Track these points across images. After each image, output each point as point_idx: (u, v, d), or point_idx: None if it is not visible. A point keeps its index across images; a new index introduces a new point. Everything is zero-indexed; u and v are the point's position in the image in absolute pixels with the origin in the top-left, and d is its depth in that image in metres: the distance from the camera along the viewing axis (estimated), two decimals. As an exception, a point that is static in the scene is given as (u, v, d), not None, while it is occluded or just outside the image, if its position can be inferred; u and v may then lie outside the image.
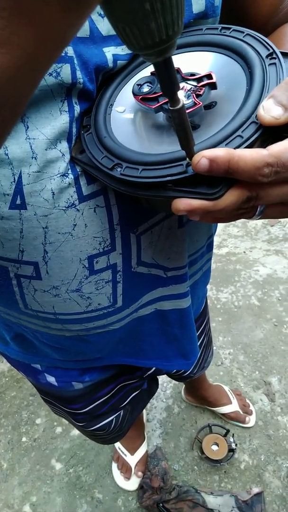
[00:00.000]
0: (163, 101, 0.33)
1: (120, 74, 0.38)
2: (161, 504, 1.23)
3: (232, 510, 1.22)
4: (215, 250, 2.09)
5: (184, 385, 1.48)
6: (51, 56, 0.18)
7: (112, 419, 0.75)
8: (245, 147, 0.28)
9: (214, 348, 1.64)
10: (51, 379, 0.63)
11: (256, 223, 2.22)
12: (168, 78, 0.22)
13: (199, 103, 0.31)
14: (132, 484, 1.29)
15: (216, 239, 2.16)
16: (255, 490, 1.24)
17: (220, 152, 0.26)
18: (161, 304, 0.54)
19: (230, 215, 0.30)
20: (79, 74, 0.33)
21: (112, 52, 0.35)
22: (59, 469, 1.38)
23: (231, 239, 2.15)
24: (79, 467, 1.37)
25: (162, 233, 0.45)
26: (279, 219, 2.19)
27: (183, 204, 0.29)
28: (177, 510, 1.23)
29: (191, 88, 0.33)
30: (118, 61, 0.36)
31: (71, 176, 0.36)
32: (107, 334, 0.52)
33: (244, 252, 2.06)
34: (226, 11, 0.44)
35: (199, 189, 0.29)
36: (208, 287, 1.89)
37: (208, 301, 1.82)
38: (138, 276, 0.47)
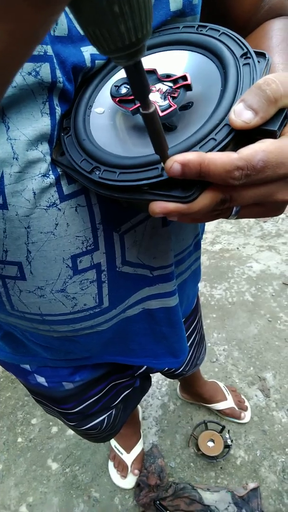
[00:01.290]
0: None
1: (98, 75, 0.38)
2: (158, 502, 1.23)
3: (228, 506, 1.22)
4: (208, 247, 2.09)
5: (179, 383, 1.48)
6: (23, 53, 0.18)
7: (104, 418, 0.75)
8: (218, 150, 0.28)
9: (209, 344, 1.64)
10: (41, 380, 0.63)
11: (249, 219, 2.22)
12: (139, 82, 0.22)
13: (174, 106, 0.31)
14: (129, 482, 1.29)
15: (209, 236, 2.16)
16: (251, 485, 1.25)
17: (191, 156, 0.26)
18: (149, 303, 0.53)
19: (206, 216, 0.31)
20: (58, 73, 0.33)
21: (90, 51, 0.35)
22: (55, 469, 1.37)
23: (224, 236, 2.16)
24: (76, 467, 1.37)
25: (146, 232, 0.45)
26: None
27: (159, 207, 0.29)
28: (174, 507, 1.23)
29: (167, 90, 0.32)
30: (96, 61, 0.36)
31: (52, 176, 0.36)
32: (95, 334, 0.51)
33: (238, 248, 2.07)
34: (208, 10, 0.44)
35: (174, 193, 0.29)
36: (202, 283, 1.90)
37: (202, 297, 1.83)
38: (123, 276, 0.47)
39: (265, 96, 0.27)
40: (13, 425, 1.51)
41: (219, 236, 2.16)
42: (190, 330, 0.81)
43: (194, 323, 0.82)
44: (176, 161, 0.26)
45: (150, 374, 0.87)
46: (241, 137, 0.29)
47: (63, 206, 0.37)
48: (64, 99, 0.35)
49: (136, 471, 1.29)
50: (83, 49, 0.34)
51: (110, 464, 1.34)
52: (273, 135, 0.28)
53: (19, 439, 1.47)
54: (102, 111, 0.36)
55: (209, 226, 2.23)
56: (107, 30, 0.18)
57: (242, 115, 0.27)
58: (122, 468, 1.30)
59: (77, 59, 0.34)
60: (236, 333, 1.68)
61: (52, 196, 0.36)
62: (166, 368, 0.80)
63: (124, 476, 1.29)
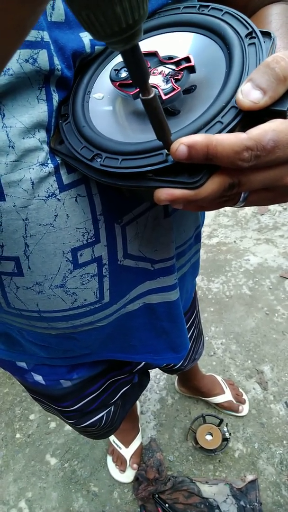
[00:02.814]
0: None
1: (97, 60, 0.36)
2: (156, 495, 1.24)
3: (227, 498, 1.23)
4: (205, 241, 2.08)
5: (177, 377, 1.48)
6: (13, 43, 0.18)
7: (103, 415, 0.74)
8: (226, 133, 0.27)
9: (207, 338, 1.64)
10: (38, 378, 0.62)
11: (246, 212, 2.21)
12: (137, 67, 0.21)
13: (178, 88, 0.30)
14: (128, 476, 1.29)
15: (207, 229, 2.15)
16: (250, 477, 1.26)
17: (198, 138, 0.25)
18: (149, 297, 0.52)
19: (213, 203, 0.30)
20: (56, 60, 0.31)
21: (89, 36, 0.34)
22: (54, 464, 1.37)
23: (222, 229, 2.15)
24: (74, 461, 1.37)
25: (148, 224, 0.44)
26: (269, 208, 2.19)
27: (165, 194, 0.28)
28: (172, 500, 1.24)
29: (169, 72, 0.31)
30: (96, 46, 0.35)
31: (51, 165, 0.34)
32: (95, 331, 0.50)
33: (235, 241, 2.06)
34: None
35: (180, 178, 0.28)
36: (199, 277, 1.90)
37: (200, 291, 1.83)
38: (125, 270, 0.45)
39: (274, 74, 0.26)
40: (11, 421, 1.50)
41: (216, 230, 2.15)
42: (189, 324, 0.80)
43: (192, 318, 0.81)
44: (182, 143, 0.25)
45: (149, 370, 0.87)
46: (249, 119, 0.27)
47: (62, 197, 0.36)
48: (62, 85, 0.34)
49: (135, 465, 1.30)
50: (81, 34, 0.33)
51: (109, 459, 1.35)
52: (282, 115, 0.27)
53: (18, 435, 1.46)
54: (101, 96, 0.35)
55: (206, 219, 2.22)
56: (102, 13, 0.17)
57: (250, 95, 0.26)
58: (120, 462, 1.30)
59: (76, 45, 0.33)
60: (233, 327, 1.68)
61: (51, 186, 0.35)
62: (165, 364, 0.79)
63: (122, 470, 1.29)
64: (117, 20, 0.17)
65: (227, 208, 2.26)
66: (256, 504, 1.20)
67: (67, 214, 0.37)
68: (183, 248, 0.54)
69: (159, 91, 0.30)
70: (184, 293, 0.65)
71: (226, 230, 2.14)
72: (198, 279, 1.89)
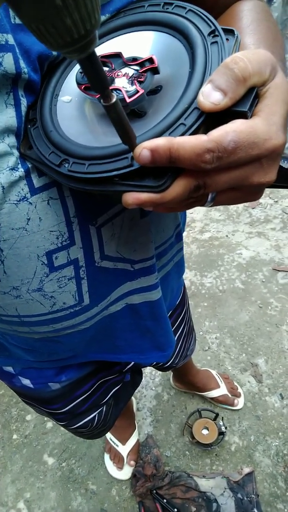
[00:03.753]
0: None
1: (64, 62, 0.36)
2: (154, 491, 1.25)
3: (224, 491, 1.24)
4: (197, 236, 2.08)
5: (172, 373, 1.48)
6: None
7: (95, 416, 0.74)
8: (189, 135, 0.27)
9: (201, 333, 1.65)
10: (26, 382, 0.61)
11: (237, 206, 2.21)
12: (95, 74, 0.21)
13: (141, 91, 0.29)
14: (125, 473, 1.30)
15: (198, 224, 2.15)
16: (246, 470, 1.27)
17: (160, 142, 0.25)
18: (131, 298, 0.52)
19: (181, 204, 0.30)
20: (22, 63, 0.31)
21: None
22: (51, 464, 1.38)
23: (213, 224, 2.15)
24: (72, 461, 1.38)
25: (125, 224, 0.44)
26: (260, 201, 2.19)
27: (131, 198, 0.28)
28: (170, 495, 1.24)
29: (133, 74, 0.31)
30: None
31: (21, 169, 0.34)
32: (78, 333, 0.50)
33: (227, 236, 2.06)
34: None
35: (146, 182, 0.28)
36: (192, 272, 1.90)
37: (193, 286, 1.83)
38: (103, 272, 0.45)
39: (233, 75, 0.26)
40: (8, 422, 1.50)
41: (208, 225, 2.15)
42: (178, 322, 0.80)
43: (182, 315, 0.81)
44: (145, 148, 0.25)
45: (141, 368, 0.87)
46: (212, 120, 0.27)
47: (34, 200, 0.35)
48: (29, 89, 0.33)
49: (132, 462, 1.30)
50: None
51: (106, 457, 1.35)
52: (244, 116, 0.27)
53: (14, 436, 1.46)
54: (69, 99, 0.34)
55: (198, 214, 2.22)
56: (52, 25, 0.17)
57: (211, 96, 0.26)
58: (118, 460, 1.31)
59: (42, 48, 0.32)
60: (227, 321, 1.68)
61: (22, 189, 0.34)
62: (155, 362, 0.79)
63: (120, 467, 1.30)
64: (68, 32, 0.17)
65: (219, 202, 2.26)
66: (253, 496, 1.22)
67: (39, 217, 0.36)
68: (164, 247, 0.54)
69: (123, 94, 0.29)
70: (169, 292, 0.65)
71: (218, 225, 2.14)
72: (191, 274, 1.89)
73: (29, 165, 0.34)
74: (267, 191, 2.21)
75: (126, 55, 0.32)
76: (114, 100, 0.22)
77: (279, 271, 1.82)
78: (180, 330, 0.82)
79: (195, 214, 2.22)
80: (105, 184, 0.29)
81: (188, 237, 2.09)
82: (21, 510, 1.29)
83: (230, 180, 0.27)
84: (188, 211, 2.23)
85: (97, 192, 0.32)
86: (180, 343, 0.85)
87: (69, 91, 0.34)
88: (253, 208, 2.19)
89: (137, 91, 0.29)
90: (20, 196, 0.34)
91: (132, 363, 0.72)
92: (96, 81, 0.21)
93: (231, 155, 0.25)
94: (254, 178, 0.28)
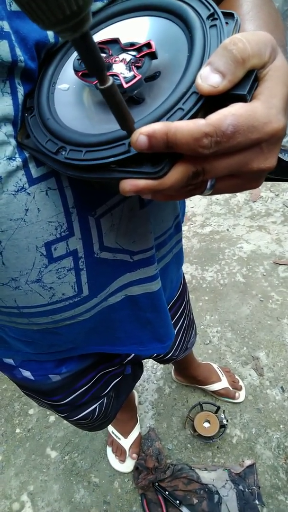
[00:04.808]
0: None
1: (61, 50, 0.35)
2: (156, 484, 1.25)
3: (226, 483, 1.25)
4: (198, 230, 2.08)
5: (173, 366, 1.49)
6: None
7: (95, 407, 0.74)
8: (187, 120, 0.26)
9: (202, 327, 1.65)
10: (27, 374, 0.62)
11: (238, 200, 2.21)
12: (89, 55, 0.20)
13: (139, 76, 0.29)
14: (127, 466, 1.31)
15: (199, 218, 2.15)
16: (247, 462, 1.27)
17: (157, 127, 0.25)
18: (131, 289, 0.52)
19: (180, 192, 0.29)
20: (18, 51, 0.30)
21: None
22: (54, 457, 1.39)
23: (214, 218, 2.14)
24: (74, 454, 1.39)
25: (124, 215, 0.43)
26: (261, 194, 2.19)
27: (129, 185, 0.27)
28: (172, 488, 1.25)
29: (131, 59, 0.30)
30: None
31: (19, 159, 0.34)
32: (77, 325, 0.50)
33: (228, 229, 2.06)
34: None
35: (143, 169, 0.27)
36: (193, 266, 1.90)
37: (194, 280, 1.83)
38: (102, 263, 0.45)
39: (231, 56, 0.25)
40: (11, 416, 1.51)
41: (209, 218, 2.14)
42: (178, 315, 0.80)
43: (181, 308, 0.81)
44: (141, 133, 0.25)
45: (142, 361, 0.87)
46: (211, 104, 0.27)
47: (32, 190, 0.35)
48: (26, 78, 0.33)
49: (134, 455, 1.31)
50: None
51: (108, 450, 1.36)
52: (243, 99, 0.26)
53: (17, 430, 1.47)
54: (66, 87, 0.34)
55: (199, 209, 2.21)
56: (44, 1, 0.16)
57: (209, 79, 0.26)
58: (120, 452, 1.32)
59: (39, 35, 0.32)
60: (228, 315, 1.68)
61: (20, 180, 0.34)
62: (155, 354, 0.79)
63: (122, 460, 1.31)
64: (60, 7, 0.17)
65: (219, 197, 2.25)
66: (254, 488, 1.22)
67: (38, 208, 0.36)
68: (163, 238, 0.54)
69: (120, 79, 0.29)
70: (168, 283, 0.65)
71: (218, 219, 2.13)
72: (191, 268, 1.89)
73: (27, 155, 0.34)
74: (268, 184, 2.21)
75: (124, 41, 0.32)
76: (110, 83, 0.22)
77: (280, 264, 1.82)
78: (180, 323, 0.82)
79: (196, 208, 2.22)
80: (102, 171, 0.29)
81: (189, 231, 2.08)
82: (24, 502, 1.30)
83: (230, 166, 0.27)
84: (189, 205, 2.23)
85: (95, 180, 0.32)
86: (180, 336, 0.85)
87: (67, 79, 0.34)
88: (254, 201, 2.18)
89: (135, 76, 0.29)
90: (18, 187, 0.34)
91: (132, 355, 0.72)
92: (91, 62, 0.21)
93: (229, 139, 0.25)
94: (253, 163, 0.27)
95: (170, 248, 0.58)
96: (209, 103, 0.27)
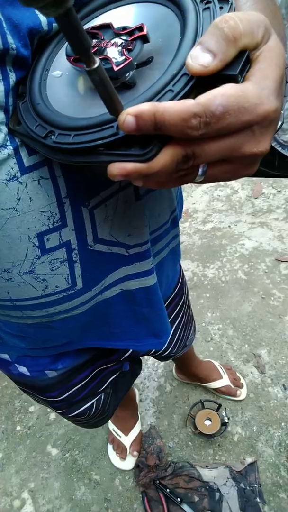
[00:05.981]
0: None
1: (55, 37, 0.35)
2: (157, 481, 1.25)
3: (227, 481, 1.24)
4: (200, 226, 2.07)
5: (174, 364, 1.48)
6: None
7: (92, 404, 0.74)
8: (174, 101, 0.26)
9: (203, 324, 1.64)
10: (23, 369, 0.61)
11: (240, 197, 2.19)
12: (74, 34, 0.20)
13: (129, 58, 0.28)
14: (128, 463, 1.30)
15: (201, 215, 2.13)
16: (249, 460, 1.26)
17: (145, 107, 0.24)
18: (126, 284, 0.51)
19: (171, 177, 0.28)
20: (10, 39, 0.30)
21: None
22: (55, 455, 1.38)
23: (216, 214, 2.13)
24: (75, 451, 1.38)
25: (119, 207, 0.43)
26: (263, 191, 2.17)
27: (117, 168, 0.26)
28: (173, 485, 1.25)
29: (122, 43, 0.30)
30: (53, 24, 0.33)
31: (10, 147, 0.33)
32: (72, 318, 0.50)
33: (229, 226, 2.04)
34: None
35: (131, 151, 0.26)
36: (194, 263, 1.89)
37: (195, 277, 1.82)
38: (97, 255, 0.44)
39: (222, 35, 0.24)
40: (11, 413, 1.51)
41: (211, 215, 2.13)
42: (176, 311, 0.79)
43: (180, 305, 0.80)
44: (128, 114, 0.24)
45: (141, 358, 0.86)
46: (202, 86, 0.26)
47: (24, 179, 0.35)
48: (19, 65, 0.33)
49: (135, 453, 1.31)
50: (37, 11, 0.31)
51: (109, 447, 1.36)
52: (234, 80, 0.25)
53: (18, 427, 1.47)
54: (59, 74, 0.34)
55: (200, 205, 2.20)
56: None
57: (199, 58, 0.25)
58: (121, 450, 1.31)
59: (32, 22, 0.31)
60: (230, 312, 1.67)
61: (12, 168, 0.34)
62: (153, 351, 0.79)
63: (123, 458, 1.30)
64: None
65: (221, 193, 2.24)
66: (255, 485, 1.22)
67: (30, 198, 0.36)
68: (159, 232, 0.53)
69: (111, 63, 0.28)
70: (164, 279, 0.64)
71: (220, 215, 2.12)
72: (193, 265, 1.88)
73: (18, 143, 0.34)
74: (270, 180, 2.19)
75: (116, 26, 0.31)
76: (96, 64, 0.21)
77: (282, 261, 1.81)
78: (178, 320, 0.81)
79: (198, 205, 2.20)
80: (90, 154, 0.28)
81: (191, 227, 2.07)
82: (25, 500, 1.30)
83: (221, 150, 0.26)
84: (190, 201, 2.22)
85: (83, 164, 0.31)
86: (178, 332, 0.84)
87: (60, 66, 0.33)
88: (256, 198, 2.16)
89: (126, 60, 0.28)
90: (9, 175, 0.34)
91: (130, 351, 0.71)
92: (76, 42, 0.20)
93: (219, 120, 0.24)
94: (246, 148, 0.26)
95: (167, 243, 0.57)
96: (201, 85, 0.26)
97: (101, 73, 0.22)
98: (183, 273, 0.84)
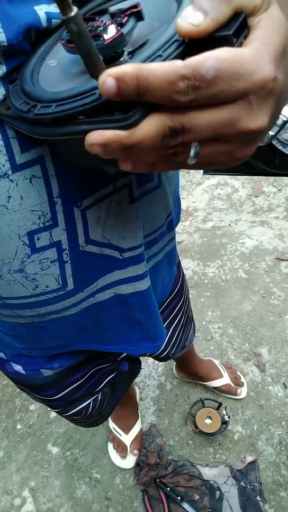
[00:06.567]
0: None
1: (54, 33, 0.34)
2: (158, 480, 1.25)
3: (227, 480, 1.24)
4: (200, 225, 2.06)
5: (175, 362, 1.48)
6: None
7: (89, 403, 0.74)
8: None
9: (204, 323, 1.64)
10: (18, 368, 0.61)
11: (240, 195, 2.18)
12: None
13: (120, 31, 0.27)
14: (129, 462, 1.31)
15: (201, 214, 2.13)
16: (249, 458, 1.26)
17: (127, 68, 0.21)
18: (120, 288, 0.51)
19: (158, 154, 0.25)
20: (7, 35, 0.29)
21: (45, 10, 0.31)
22: (55, 453, 1.39)
23: (216, 213, 2.12)
24: (76, 450, 1.39)
25: (112, 209, 0.42)
26: (263, 189, 2.16)
27: (94, 136, 0.24)
28: (173, 484, 1.25)
29: (115, 19, 0.29)
30: (52, 20, 0.32)
31: (1, 142, 0.33)
32: (64, 320, 0.49)
33: (230, 225, 2.04)
34: None
35: (113, 117, 0.24)
36: (195, 262, 1.88)
37: (195, 276, 1.82)
38: (88, 256, 0.44)
39: None
40: (12, 412, 1.52)
41: (211, 214, 2.13)
42: (175, 312, 0.79)
43: (179, 305, 0.80)
44: (110, 75, 0.21)
45: (141, 357, 0.86)
46: (196, 52, 0.23)
47: (15, 177, 0.34)
48: (11, 57, 0.32)
49: (136, 451, 1.31)
50: (36, 8, 0.31)
51: (110, 446, 1.36)
52: (229, 42, 0.23)
53: (18, 426, 1.48)
54: (55, 62, 0.33)
55: (201, 203, 2.19)
56: None
57: (189, 17, 0.22)
58: (121, 449, 1.31)
59: (31, 19, 0.31)
60: (230, 311, 1.67)
61: (3, 165, 0.33)
62: (149, 353, 0.78)
63: (123, 456, 1.31)
64: None
65: (221, 192, 2.23)
66: (256, 484, 1.21)
67: (21, 196, 0.35)
68: (154, 236, 0.52)
69: (102, 37, 0.27)
70: (159, 282, 0.63)
71: (220, 214, 2.11)
72: (193, 264, 1.88)
73: (10, 137, 0.33)
74: (270, 179, 2.18)
75: (112, 9, 0.31)
76: (74, 11, 0.20)
77: (282, 260, 1.80)
78: (177, 321, 0.81)
79: (198, 203, 2.20)
80: (71, 124, 0.27)
81: (191, 226, 2.07)
82: (26, 498, 1.30)
83: (213, 122, 0.23)
84: (190, 200, 2.21)
85: (63, 137, 0.29)
86: (177, 333, 0.84)
87: (56, 57, 0.33)
88: (256, 196, 2.16)
89: (117, 32, 0.27)
90: (0, 172, 0.33)
91: (125, 353, 0.71)
92: None
93: (210, 85, 0.21)
94: (241, 122, 0.23)
95: (162, 246, 0.56)
96: (194, 50, 0.23)
97: (79, 24, 0.21)
98: (183, 273, 0.83)
